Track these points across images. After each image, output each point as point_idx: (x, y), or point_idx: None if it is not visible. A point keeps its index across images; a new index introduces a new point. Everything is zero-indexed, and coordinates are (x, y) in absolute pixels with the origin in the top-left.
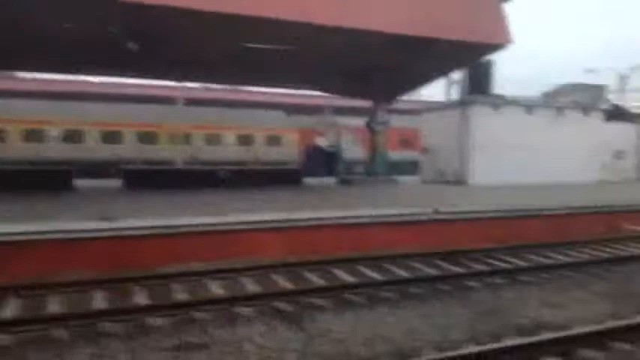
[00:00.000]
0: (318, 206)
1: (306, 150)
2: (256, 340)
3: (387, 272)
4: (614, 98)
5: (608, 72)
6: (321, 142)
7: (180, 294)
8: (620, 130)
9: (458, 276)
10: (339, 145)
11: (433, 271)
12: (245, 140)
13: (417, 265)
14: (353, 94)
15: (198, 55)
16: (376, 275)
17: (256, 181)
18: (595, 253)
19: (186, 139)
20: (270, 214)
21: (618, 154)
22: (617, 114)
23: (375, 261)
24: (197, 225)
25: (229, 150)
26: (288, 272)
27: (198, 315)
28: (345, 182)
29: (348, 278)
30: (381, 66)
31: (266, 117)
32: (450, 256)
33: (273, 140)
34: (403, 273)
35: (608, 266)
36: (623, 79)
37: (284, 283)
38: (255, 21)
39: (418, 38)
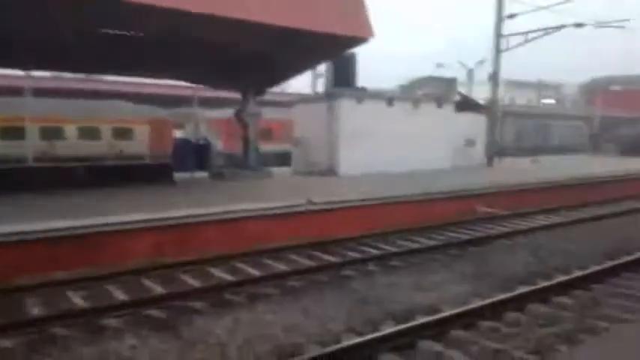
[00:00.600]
0: (190, 202)
1: (174, 143)
2: (126, 354)
3: (265, 267)
4: (463, 90)
5: (456, 66)
6: (179, 134)
7: (35, 309)
8: (470, 119)
9: (334, 266)
10: (207, 138)
11: (310, 263)
12: (90, 133)
13: (295, 257)
14: (222, 86)
15: (46, 40)
16: (254, 271)
17: (122, 178)
18: (455, 235)
19: (22, 133)
20: (139, 213)
21: (469, 142)
22: (466, 105)
23: (252, 256)
24: (54, 230)
25: (72, 144)
26: (160, 275)
27: (58, 331)
28: (217, 176)
29: (226, 277)
30: (250, 57)
31: (112, 107)
32: (326, 246)
33: (122, 133)
34: (281, 267)
35: (468, 247)
36: (470, 72)
37: (156, 287)
38: (108, 2)
39: (287, 29)
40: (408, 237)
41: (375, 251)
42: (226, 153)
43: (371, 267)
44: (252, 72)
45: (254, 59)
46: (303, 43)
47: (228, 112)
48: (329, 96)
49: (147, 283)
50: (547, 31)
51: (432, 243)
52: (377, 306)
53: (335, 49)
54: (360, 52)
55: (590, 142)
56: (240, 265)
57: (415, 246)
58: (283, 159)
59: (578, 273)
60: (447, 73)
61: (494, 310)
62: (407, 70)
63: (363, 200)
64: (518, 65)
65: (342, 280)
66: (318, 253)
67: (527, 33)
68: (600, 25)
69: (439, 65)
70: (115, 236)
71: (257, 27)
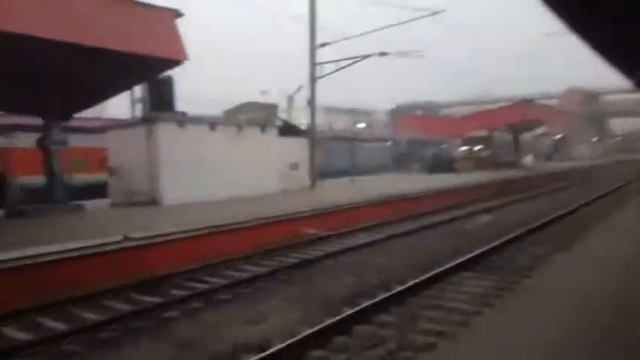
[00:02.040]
0: None
1: None
2: None
3: (73, 319)
4: (284, 116)
5: (278, 92)
6: None
7: None
8: (293, 144)
9: (154, 308)
10: (2, 170)
11: (127, 307)
12: None
13: (109, 303)
14: (20, 110)
15: None
16: (59, 325)
17: None
18: (283, 259)
19: None
20: None
21: (293, 166)
22: (288, 130)
23: (56, 307)
24: None
25: None
26: None
27: None
28: (17, 214)
29: (21, 336)
30: (52, 77)
31: None
32: (146, 285)
33: None
34: (92, 316)
35: (295, 271)
36: (290, 98)
37: None
38: None
39: (92, 49)
40: (237, 266)
41: (201, 286)
42: (25, 186)
43: (196, 304)
44: (55, 95)
45: (56, 80)
46: (112, 64)
47: None
48: (147, 121)
49: None
50: (356, 59)
51: (260, 270)
52: (199, 350)
53: (147, 71)
54: (183, 74)
55: (398, 162)
56: (40, 319)
57: (244, 275)
58: (99, 190)
59: (397, 289)
60: (269, 99)
61: (323, 337)
62: (231, 95)
63: (187, 231)
64: (335, 91)
65: (162, 324)
66: (136, 295)
67: (338, 61)
68: (402, 54)
69: (263, 92)
70: None
71: (56, 45)
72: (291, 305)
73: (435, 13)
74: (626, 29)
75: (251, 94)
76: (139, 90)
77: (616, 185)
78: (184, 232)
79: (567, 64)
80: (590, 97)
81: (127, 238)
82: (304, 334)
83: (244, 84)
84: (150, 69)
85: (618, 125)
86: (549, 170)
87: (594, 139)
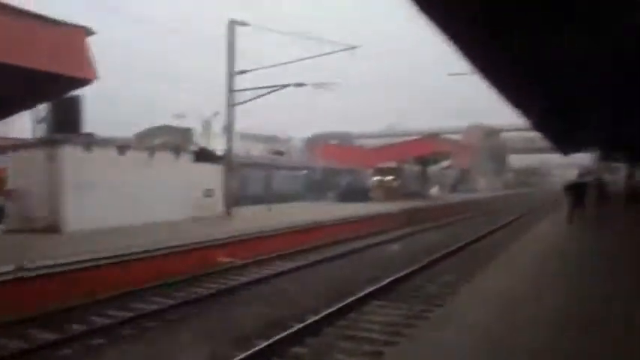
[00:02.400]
0: None
1: None
2: None
3: None
4: (201, 141)
5: (194, 117)
6: None
7: None
8: (208, 170)
9: (49, 345)
10: None
11: (17, 345)
12: None
13: None
14: None
15: None
16: None
17: None
18: (195, 290)
19: None
20: None
21: (208, 192)
22: (204, 155)
23: None
24: None
25: None
26: None
27: None
28: None
29: None
30: None
31: None
32: (42, 320)
33: None
34: None
35: (206, 303)
36: (206, 123)
37: None
38: None
39: None
40: (144, 298)
41: (103, 320)
42: None
43: (98, 340)
44: None
45: None
46: (13, 80)
47: None
48: (49, 142)
49: None
50: (273, 88)
51: (169, 302)
52: None
53: (53, 89)
54: (94, 95)
55: (313, 189)
56: None
57: (153, 307)
58: None
59: (311, 319)
60: (184, 123)
61: None
62: (142, 118)
63: (90, 260)
64: (253, 118)
65: None
66: (30, 331)
67: (255, 89)
68: (318, 86)
69: (178, 116)
70: None
71: None
72: (199, 341)
73: (352, 48)
74: (523, 73)
75: (165, 117)
76: (44, 109)
77: (514, 217)
78: (86, 261)
79: (471, 101)
80: (491, 133)
81: (20, 268)
82: None
83: (157, 106)
84: (56, 87)
85: (516, 160)
86: (454, 201)
87: (494, 173)
